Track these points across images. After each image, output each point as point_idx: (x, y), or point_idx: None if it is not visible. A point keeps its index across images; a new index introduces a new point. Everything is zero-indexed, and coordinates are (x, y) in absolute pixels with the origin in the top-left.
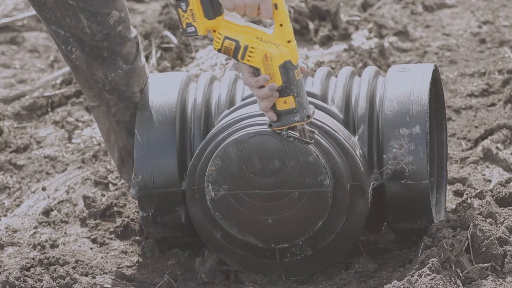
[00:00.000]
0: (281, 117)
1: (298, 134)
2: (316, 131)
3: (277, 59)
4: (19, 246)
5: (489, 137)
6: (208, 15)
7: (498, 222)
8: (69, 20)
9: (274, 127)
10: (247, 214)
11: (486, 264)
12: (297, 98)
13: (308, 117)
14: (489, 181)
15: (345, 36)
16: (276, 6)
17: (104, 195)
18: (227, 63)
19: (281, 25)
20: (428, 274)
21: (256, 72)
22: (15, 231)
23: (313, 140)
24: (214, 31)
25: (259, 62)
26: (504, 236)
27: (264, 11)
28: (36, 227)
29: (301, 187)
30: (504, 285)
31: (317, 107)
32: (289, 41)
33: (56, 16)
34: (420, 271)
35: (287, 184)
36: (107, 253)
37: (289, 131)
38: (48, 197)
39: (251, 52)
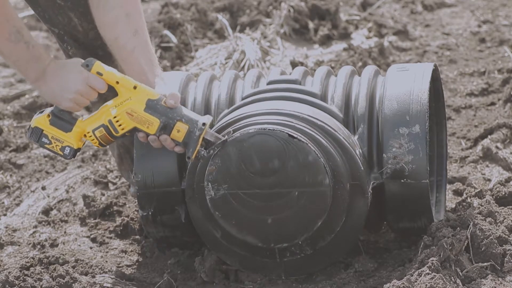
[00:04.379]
0: (188, 144)
1: (213, 143)
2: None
3: (138, 106)
4: (19, 245)
5: (489, 136)
6: (67, 129)
7: (497, 221)
8: (61, 18)
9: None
10: (246, 213)
11: (485, 263)
12: (183, 119)
13: (204, 124)
14: (489, 180)
15: (345, 36)
16: (99, 74)
17: (103, 194)
18: (226, 63)
19: (117, 82)
20: (428, 274)
21: (137, 132)
22: (14, 230)
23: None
24: (85, 135)
25: (130, 122)
26: (503, 235)
27: (96, 84)
28: (35, 226)
29: (300, 186)
30: (503, 284)
31: (317, 106)
32: (134, 87)
33: (49, 15)
34: (419, 270)
35: (286, 184)
36: (107, 252)
37: (205, 149)
38: (48, 196)
39: (117, 121)
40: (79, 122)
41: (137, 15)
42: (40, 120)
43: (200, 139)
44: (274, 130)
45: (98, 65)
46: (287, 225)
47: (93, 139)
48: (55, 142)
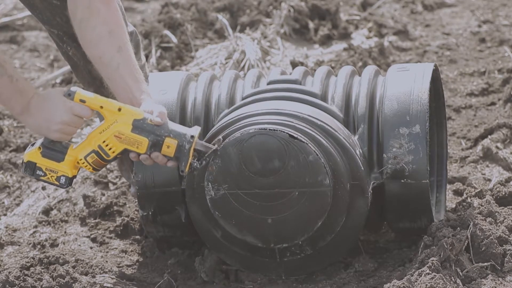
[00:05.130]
0: (180, 158)
1: (204, 153)
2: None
3: (125, 128)
4: (19, 245)
5: (489, 136)
6: (59, 159)
7: (498, 221)
8: (59, 19)
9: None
10: (246, 213)
11: (486, 263)
12: (171, 135)
13: (192, 137)
14: (489, 180)
15: (345, 36)
16: (82, 101)
17: (104, 194)
18: (226, 63)
19: (101, 107)
20: (428, 273)
21: (129, 153)
22: (15, 230)
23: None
24: (78, 162)
25: (119, 144)
26: (504, 235)
27: (80, 112)
28: (36, 226)
29: (301, 186)
30: (504, 284)
31: (317, 106)
32: (119, 109)
33: (47, 16)
34: (420, 270)
35: (286, 184)
36: (107, 252)
37: (197, 160)
38: (48, 196)
39: (106, 145)
40: (71, 150)
41: (120, 32)
42: (32, 153)
43: (191, 152)
44: (274, 130)
45: (80, 93)
46: (287, 225)
47: (86, 165)
48: (50, 173)
